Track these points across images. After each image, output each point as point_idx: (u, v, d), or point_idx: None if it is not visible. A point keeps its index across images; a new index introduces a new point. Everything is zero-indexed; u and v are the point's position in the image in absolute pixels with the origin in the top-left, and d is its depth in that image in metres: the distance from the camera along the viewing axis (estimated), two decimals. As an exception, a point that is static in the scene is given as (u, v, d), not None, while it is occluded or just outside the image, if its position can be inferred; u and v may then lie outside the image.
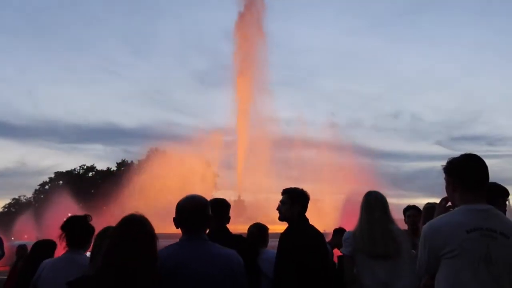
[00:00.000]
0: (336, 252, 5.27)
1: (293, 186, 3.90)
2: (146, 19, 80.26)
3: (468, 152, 2.48)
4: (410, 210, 5.07)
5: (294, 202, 3.71)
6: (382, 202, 3.79)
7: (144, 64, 79.06)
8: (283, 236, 3.71)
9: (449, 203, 2.62)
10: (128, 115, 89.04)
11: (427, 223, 2.45)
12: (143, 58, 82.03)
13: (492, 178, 2.52)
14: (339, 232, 6.05)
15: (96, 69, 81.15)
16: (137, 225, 2.32)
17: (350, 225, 3.94)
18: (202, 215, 2.63)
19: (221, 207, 3.68)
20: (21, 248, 8.27)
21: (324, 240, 3.79)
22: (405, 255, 3.66)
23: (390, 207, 3.86)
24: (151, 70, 74.99)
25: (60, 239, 3.34)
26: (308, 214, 3.80)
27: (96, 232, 3.32)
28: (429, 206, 3.37)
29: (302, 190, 3.82)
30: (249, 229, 4.71)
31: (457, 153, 2.50)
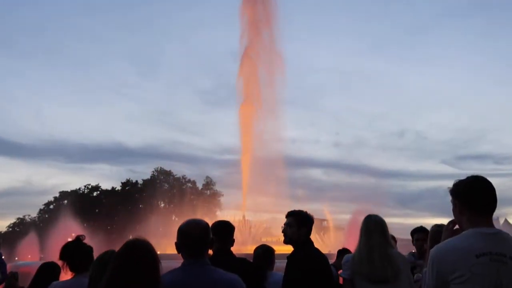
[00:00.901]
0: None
1: (298, 206, 3.90)
2: (153, 40, 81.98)
3: (474, 173, 2.46)
4: (418, 234, 4.99)
5: (300, 225, 3.70)
6: (382, 226, 3.79)
7: (150, 84, 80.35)
8: (290, 259, 3.70)
9: (457, 226, 2.59)
10: (134, 134, 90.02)
11: (435, 247, 2.41)
12: (149, 78, 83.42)
13: (499, 197, 2.49)
14: (343, 253, 5.98)
15: (102, 90, 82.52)
16: (140, 249, 2.31)
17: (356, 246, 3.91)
18: (203, 239, 2.61)
19: (225, 230, 3.66)
20: (12, 275, 8.43)
21: (328, 263, 3.78)
22: (404, 279, 3.64)
23: (397, 227, 3.87)
24: (157, 90, 76.13)
25: (63, 268, 3.34)
26: (313, 234, 3.80)
27: (96, 253, 3.30)
28: (436, 230, 3.33)
29: (307, 213, 3.82)
30: (255, 251, 4.69)
31: (463, 172, 2.50)
